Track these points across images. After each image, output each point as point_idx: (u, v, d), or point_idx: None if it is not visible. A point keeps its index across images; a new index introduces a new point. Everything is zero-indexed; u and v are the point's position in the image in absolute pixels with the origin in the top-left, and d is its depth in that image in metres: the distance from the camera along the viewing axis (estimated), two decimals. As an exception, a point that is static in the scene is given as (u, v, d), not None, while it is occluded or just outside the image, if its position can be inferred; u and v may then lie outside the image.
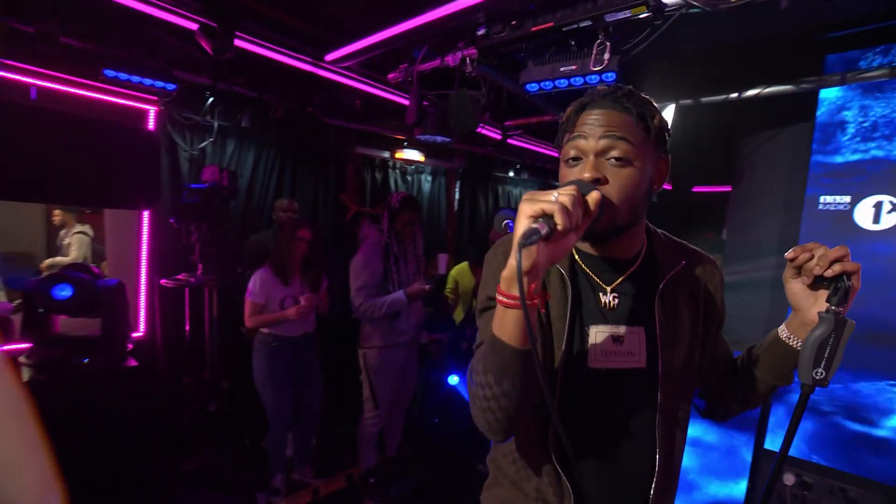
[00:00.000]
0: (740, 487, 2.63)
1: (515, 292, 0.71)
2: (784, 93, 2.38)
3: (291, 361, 2.84)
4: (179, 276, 2.99)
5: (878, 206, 2.33)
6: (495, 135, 4.25)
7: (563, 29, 1.98)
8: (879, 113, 2.33)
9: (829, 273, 0.78)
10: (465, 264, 4.34)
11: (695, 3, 1.66)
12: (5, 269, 3.76)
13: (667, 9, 1.75)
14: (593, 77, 2.00)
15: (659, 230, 1.02)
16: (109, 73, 2.54)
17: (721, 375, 1.04)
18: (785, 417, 2.50)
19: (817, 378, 0.80)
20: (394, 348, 2.87)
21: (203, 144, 3.43)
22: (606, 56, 1.91)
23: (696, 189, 6.10)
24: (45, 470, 0.59)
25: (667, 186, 1.25)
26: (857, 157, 2.39)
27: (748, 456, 2.60)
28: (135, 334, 3.05)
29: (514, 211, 1.82)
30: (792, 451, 2.44)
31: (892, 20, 2.05)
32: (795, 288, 0.85)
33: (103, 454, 2.27)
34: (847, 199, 2.39)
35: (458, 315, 3.84)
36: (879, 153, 2.33)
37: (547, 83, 2.16)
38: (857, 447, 2.41)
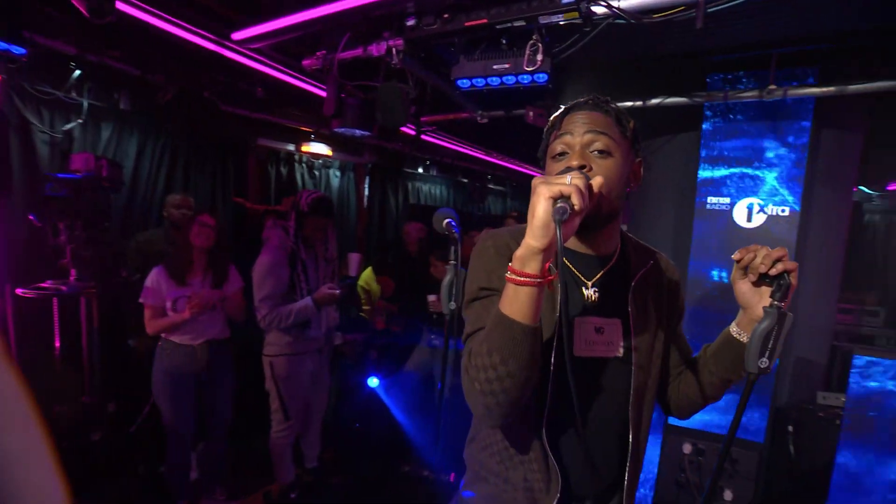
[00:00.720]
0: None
1: (530, 270, 0.76)
2: (678, 104, 2.65)
3: (192, 372, 2.53)
4: (44, 284, 2.49)
5: (750, 207, 2.72)
6: (410, 130, 4.19)
7: (497, 27, 1.99)
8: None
9: (773, 271, 0.86)
10: (369, 271, 4.23)
11: (622, 14, 1.77)
12: None
13: (595, 17, 1.84)
14: (525, 77, 2.04)
15: (629, 234, 1.11)
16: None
17: (681, 370, 1.12)
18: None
19: (762, 367, 0.89)
20: (303, 356, 2.69)
21: (69, 127, 2.89)
22: (539, 57, 1.96)
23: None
24: (49, 465, 0.59)
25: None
26: (728, 170, 2.76)
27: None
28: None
29: (452, 210, 1.79)
30: (690, 424, 2.76)
31: (764, 50, 2.38)
32: (743, 287, 0.92)
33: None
34: (727, 200, 2.75)
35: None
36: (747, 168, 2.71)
37: (479, 80, 2.16)
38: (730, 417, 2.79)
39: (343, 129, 2.89)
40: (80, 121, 2.90)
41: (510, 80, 2.09)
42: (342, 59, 2.56)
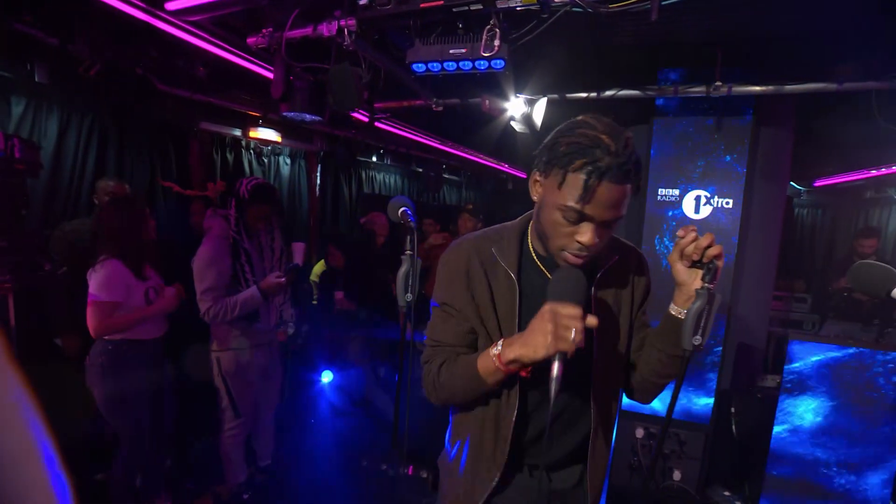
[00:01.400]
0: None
1: (514, 367, 0.97)
2: (632, 97, 2.69)
3: (149, 371, 2.36)
4: (-53, 280, 2.22)
5: (698, 199, 2.82)
6: (363, 117, 4.05)
7: (454, 10, 1.92)
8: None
9: (705, 259, 0.95)
10: (321, 264, 4.11)
11: (579, 2, 1.75)
12: None
13: (553, 3, 1.82)
14: (482, 62, 1.99)
15: None
16: None
17: (640, 354, 1.15)
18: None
19: (696, 344, 0.98)
20: (252, 350, 2.57)
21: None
22: (497, 42, 1.91)
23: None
24: (54, 465, 0.58)
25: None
26: (677, 163, 2.84)
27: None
28: None
29: (408, 198, 1.73)
30: (642, 409, 2.85)
31: (712, 47, 2.45)
32: (679, 268, 0.99)
33: None
34: (677, 192, 2.83)
35: None
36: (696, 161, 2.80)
37: (435, 64, 2.09)
38: (679, 402, 2.91)
39: (292, 114, 2.74)
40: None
41: (467, 65, 2.03)
42: (290, 38, 2.41)
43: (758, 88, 2.48)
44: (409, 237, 1.50)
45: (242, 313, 2.43)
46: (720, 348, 2.75)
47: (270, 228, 2.61)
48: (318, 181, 5.35)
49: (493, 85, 2.77)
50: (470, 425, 1.14)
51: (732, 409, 2.77)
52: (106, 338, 2.26)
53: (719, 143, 2.74)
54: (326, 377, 3.65)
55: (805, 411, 2.32)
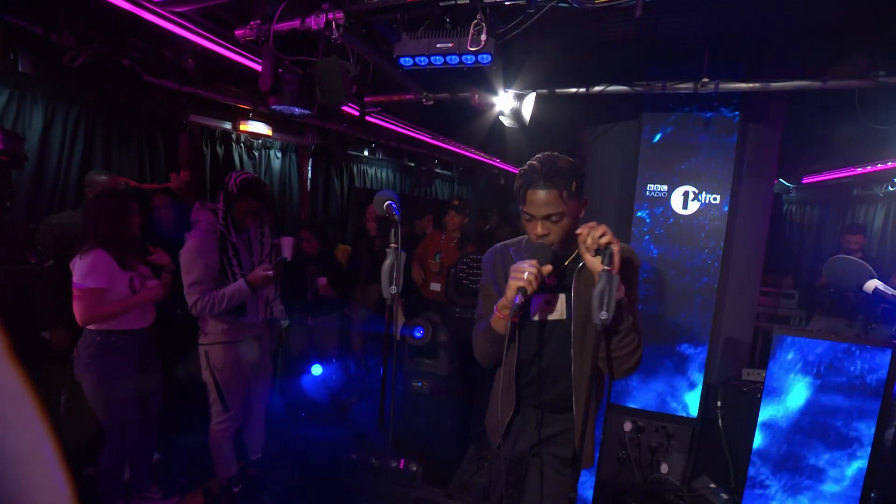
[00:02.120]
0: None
1: (505, 312, 1.33)
2: (620, 92, 2.70)
3: (137, 362, 2.37)
4: (-68, 273, 2.20)
5: (686, 194, 2.83)
6: (353, 111, 4.03)
7: (441, 3, 1.92)
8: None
9: (601, 246, 1.19)
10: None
11: (566, -4, 1.75)
12: None
13: (540, -2, 1.82)
14: (469, 57, 1.99)
15: None
16: None
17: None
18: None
19: (602, 318, 1.15)
20: (240, 343, 2.56)
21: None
22: (483, 37, 1.91)
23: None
24: (54, 464, 0.58)
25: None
26: (666, 159, 2.86)
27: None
28: None
29: (393, 192, 1.74)
30: (631, 403, 2.88)
31: (699, 44, 2.46)
32: (588, 258, 1.24)
33: None
34: (665, 187, 2.85)
35: None
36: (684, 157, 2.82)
37: (422, 59, 2.08)
38: (667, 396, 2.94)
39: (281, 107, 2.72)
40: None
41: (454, 59, 2.03)
42: (278, 31, 2.39)
43: (744, 85, 2.49)
44: (393, 230, 1.50)
45: (230, 306, 2.42)
46: (707, 343, 2.78)
47: (260, 223, 2.59)
48: (310, 175, 5.33)
49: (482, 80, 2.77)
50: (497, 376, 1.56)
51: (719, 403, 2.80)
52: (93, 328, 2.25)
53: (707, 140, 2.76)
54: (316, 370, 3.65)
55: (789, 405, 2.35)
